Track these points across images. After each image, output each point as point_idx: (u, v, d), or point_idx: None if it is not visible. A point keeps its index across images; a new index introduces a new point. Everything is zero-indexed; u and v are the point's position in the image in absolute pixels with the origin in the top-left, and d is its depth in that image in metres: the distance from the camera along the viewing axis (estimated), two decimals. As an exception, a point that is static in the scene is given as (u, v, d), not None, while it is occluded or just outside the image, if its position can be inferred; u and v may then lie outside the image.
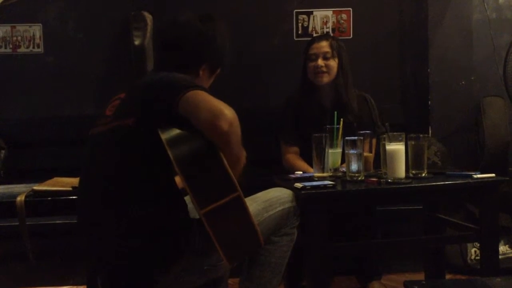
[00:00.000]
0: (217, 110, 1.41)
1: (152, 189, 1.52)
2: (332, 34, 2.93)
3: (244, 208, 1.41)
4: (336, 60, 2.54)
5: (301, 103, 2.60)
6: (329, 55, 2.53)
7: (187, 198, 1.63)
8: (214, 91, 1.82)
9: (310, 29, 3.07)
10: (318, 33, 3.02)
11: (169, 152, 1.40)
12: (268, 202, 1.77)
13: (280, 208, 1.77)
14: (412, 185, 1.91)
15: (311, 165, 2.18)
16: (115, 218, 1.52)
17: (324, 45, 2.55)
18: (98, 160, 1.60)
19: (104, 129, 1.59)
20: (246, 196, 1.77)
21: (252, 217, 1.43)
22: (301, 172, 2.24)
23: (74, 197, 1.92)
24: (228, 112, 1.42)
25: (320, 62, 2.52)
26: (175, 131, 1.45)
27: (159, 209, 1.51)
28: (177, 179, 1.60)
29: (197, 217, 1.57)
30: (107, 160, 1.56)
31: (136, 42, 2.86)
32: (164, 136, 1.43)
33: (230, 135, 1.42)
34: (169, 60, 1.74)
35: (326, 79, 2.53)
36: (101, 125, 1.61)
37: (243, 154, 1.55)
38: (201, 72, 1.74)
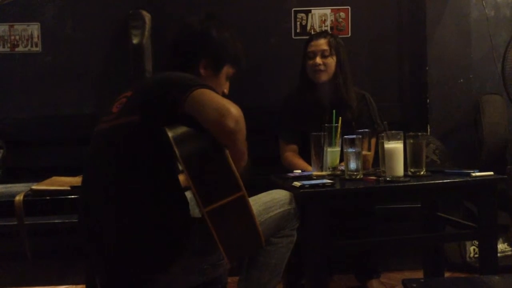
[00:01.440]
0: (223, 108, 1.42)
1: (154, 187, 1.52)
2: (332, 32, 2.93)
3: (248, 208, 1.41)
4: (334, 57, 2.54)
5: (300, 101, 2.60)
6: (327, 53, 2.53)
7: (188, 194, 1.63)
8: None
9: (308, 27, 3.06)
10: (316, 31, 3.01)
11: (176, 150, 1.40)
12: (268, 203, 1.77)
13: (280, 210, 1.77)
14: (411, 183, 1.91)
15: (310, 163, 2.18)
16: (116, 216, 1.52)
17: (322, 43, 2.54)
18: (101, 157, 1.60)
19: (108, 126, 1.59)
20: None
21: (255, 218, 1.43)
22: (300, 171, 2.24)
23: (72, 196, 1.93)
24: (234, 110, 1.43)
25: (318, 60, 2.51)
26: (182, 129, 1.45)
27: (160, 208, 1.51)
28: (181, 177, 1.60)
29: (198, 216, 1.57)
30: (110, 157, 1.57)
31: (135, 41, 2.86)
32: (171, 133, 1.43)
33: (237, 133, 1.42)
34: (169, 61, 1.76)
35: (324, 77, 2.53)
36: (106, 122, 1.61)
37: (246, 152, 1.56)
38: (202, 71, 1.73)
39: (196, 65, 1.73)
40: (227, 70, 1.78)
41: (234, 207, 1.39)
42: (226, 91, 1.82)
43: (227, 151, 1.43)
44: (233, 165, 1.41)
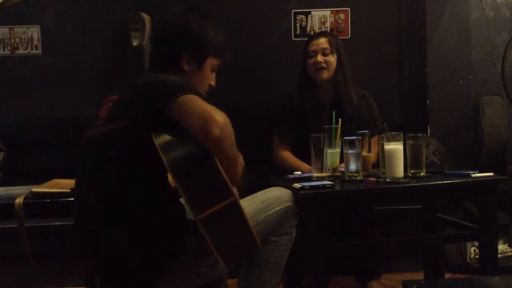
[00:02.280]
0: (208, 116, 1.40)
1: (148, 191, 1.52)
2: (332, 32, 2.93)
3: (240, 213, 1.40)
4: (335, 56, 2.56)
5: (300, 99, 2.61)
6: (328, 51, 2.55)
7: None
8: (212, 92, 1.82)
9: (308, 29, 3.06)
10: (316, 33, 3.01)
11: (163, 157, 1.39)
12: (266, 201, 1.76)
13: (278, 208, 1.77)
14: (411, 184, 1.91)
15: (309, 162, 2.19)
16: (112, 222, 1.51)
17: (323, 42, 2.57)
18: (91, 163, 1.59)
19: (96, 132, 1.58)
20: (244, 197, 1.77)
21: (248, 221, 1.42)
22: (300, 172, 2.24)
23: (72, 199, 1.92)
24: (219, 117, 1.41)
25: (320, 58, 2.54)
26: (169, 136, 1.44)
27: (156, 211, 1.51)
28: (170, 177, 1.59)
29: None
30: (100, 163, 1.56)
31: (135, 43, 2.86)
32: (158, 141, 1.42)
33: (222, 140, 1.41)
34: (153, 57, 1.76)
35: (325, 75, 2.55)
36: (94, 127, 1.60)
37: (239, 157, 1.54)
38: (185, 66, 1.72)
39: (179, 61, 1.71)
40: (210, 62, 1.76)
41: (226, 213, 1.38)
42: (213, 83, 1.80)
43: (215, 157, 1.42)
44: (222, 171, 1.40)
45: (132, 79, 1.81)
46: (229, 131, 1.43)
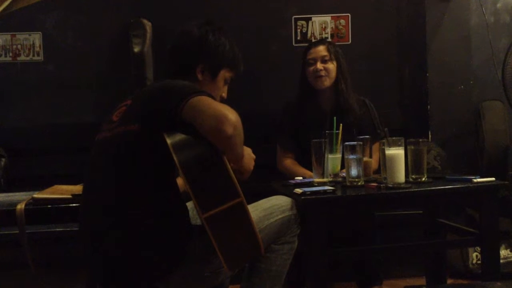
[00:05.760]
0: (221, 115, 1.42)
1: (154, 195, 1.52)
2: (330, 40, 2.95)
3: (246, 214, 1.42)
4: (334, 63, 2.57)
5: (301, 108, 2.61)
6: (327, 58, 2.56)
7: (189, 204, 1.63)
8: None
9: (309, 35, 3.08)
10: (317, 38, 3.03)
11: (174, 157, 1.41)
12: (269, 209, 1.76)
13: (280, 216, 1.77)
14: (412, 190, 1.91)
15: (311, 170, 2.18)
16: (116, 224, 1.52)
17: (322, 49, 2.58)
18: (101, 165, 1.60)
19: (109, 134, 1.60)
20: (247, 203, 1.78)
21: (254, 224, 1.43)
22: (301, 178, 2.24)
23: (74, 205, 1.92)
24: (231, 116, 1.43)
25: (319, 65, 2.54)
26: (181, 136, 1.46)
27: (160, 216, 1.51)
28: (179, 181, 1.60)
29: (198, 223, 1.57)
30: (110, 165, 1.57)
31: (136, 50, 2.87)
32: (170, 140, 1.44)
33: (234, 138, 1.43)
34: (168, 66, 1.78)
35: (326, 82, 2.55)
36: (107, 130, 1.62)
37: (248, 150, 1.57)
38: (199, 75, 1.75)
39: (193, 70, 1.74)
40: (224, 74, 1.79)
41: (233, 213, 1.39)
42: (224, 95, 1.83)
43: (225, 158, 1.44)
44: (231, 171, 1.41)
45: (145, 85, 1.84)
46: (241, 129, 1.46)
